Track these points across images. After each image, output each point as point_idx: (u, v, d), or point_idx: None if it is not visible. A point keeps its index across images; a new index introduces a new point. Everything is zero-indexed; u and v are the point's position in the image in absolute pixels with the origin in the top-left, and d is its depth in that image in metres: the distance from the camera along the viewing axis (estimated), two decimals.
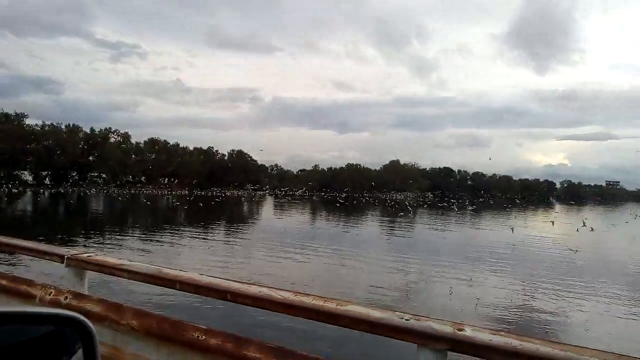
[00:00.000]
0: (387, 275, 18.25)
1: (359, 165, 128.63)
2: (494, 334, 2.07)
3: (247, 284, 2.81)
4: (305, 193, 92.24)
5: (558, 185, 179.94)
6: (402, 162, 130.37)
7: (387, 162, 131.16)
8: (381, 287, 15.96)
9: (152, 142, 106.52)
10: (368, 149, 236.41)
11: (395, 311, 2.35)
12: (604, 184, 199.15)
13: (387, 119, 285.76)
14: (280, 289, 2.67)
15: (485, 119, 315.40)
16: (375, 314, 2.32)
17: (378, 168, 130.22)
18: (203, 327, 2.79)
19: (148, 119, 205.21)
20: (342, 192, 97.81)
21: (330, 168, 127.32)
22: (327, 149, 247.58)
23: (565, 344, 2.03)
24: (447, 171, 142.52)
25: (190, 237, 26.50)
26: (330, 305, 2.43)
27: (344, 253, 22.76)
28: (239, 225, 36.55)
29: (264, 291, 2.67)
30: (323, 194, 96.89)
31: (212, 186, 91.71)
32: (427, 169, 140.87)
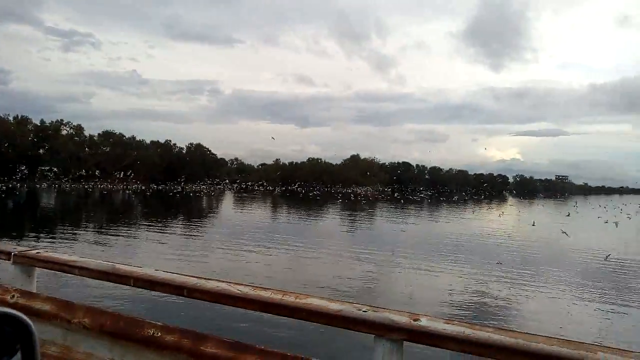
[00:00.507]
0: (348, 267, 18.44)
1: (320, 159, 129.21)
2: (448, 323, 2.12)
3: (205, 279, 2.76)
4: (266, 187, 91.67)
5: (511, 180, 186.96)
6: (362, 157, 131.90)
7: (348, 156, 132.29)
8: (343, 280, 16.13)
9: (107, 135, 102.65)
10: (329, 144, 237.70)
11: (354, 303, 2.37)
12: (554, 178, 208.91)
13: (348, 113, 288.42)
14: (239, 284, 2.65)
15: (443, 115, 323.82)
16: (334, 306, 2.34)
17: (339, 162, 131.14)
18: (159, 323, 2.73)
19: (103, 111, 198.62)
20: (306, 186, 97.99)
21: (292, 162, 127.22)
22: (289, 143, 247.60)
23: (516, 331, 2.11)
24: (406, 166, 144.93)
25: (148, 233, 25.86)
26: (289, 299, 2.43)
27: (306, 246, 22.82)
28: (198, 220, 35.94)
29: (222, 286, 2.63)
30: (284, 187, 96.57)
31: (170, 180, 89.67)
32: (387, 163, 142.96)
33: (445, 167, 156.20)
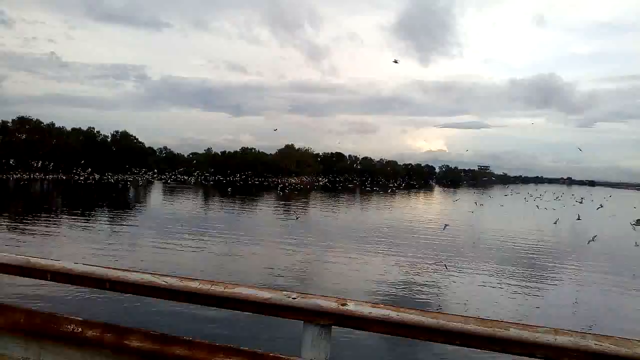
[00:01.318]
0: (283, 256, 18.49)
1: (254, 149, 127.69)
2: (374, 307, 2.19)
3: (128, 270, 2.64)
4: (197, 177, 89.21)
5: (437, 170, 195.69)
6: (296, 147, 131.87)
7: (282, 146, 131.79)
8: (277, 269, 16.16)
9: (22, 121, 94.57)
10: (263, 133, 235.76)
11: (283, 291, 2.38)
12: (476, 168, 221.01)
13: (282, 103, 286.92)
14: (165, 275, 2.56)
15: (374, 107, 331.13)
16: (263, 294, 2.33)
17: (273, 152, 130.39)
18: (79, 318, 2.61)
19: (17, 96, 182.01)
20: (237, 176, 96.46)
21: (224, 152, 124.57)
22: (221, 132, 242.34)
23: (437, 312, 2.22)
24: (339, 156, 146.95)
25: (69, 225, 24.33)
26: (217, 289, 2.39)
27: (239, 237, 22.58)
28: (125, 212, 34.33)
29: (147, 278, 2.54)
30: (216, 177, 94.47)
31: (94, 170, 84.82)
32: (321, 153, 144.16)
33: (377, 157, 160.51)
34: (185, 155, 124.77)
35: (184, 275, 2.61)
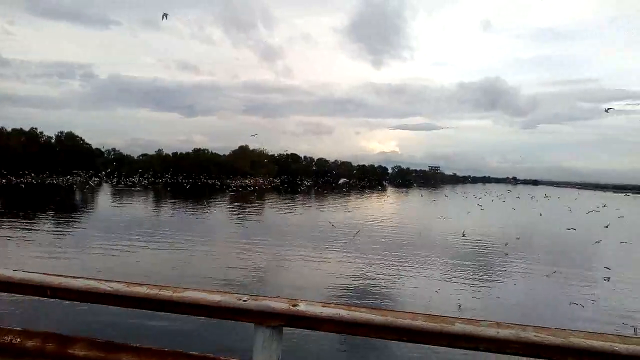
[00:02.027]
0: (238, 259, 18.27)
1: (207, 150, 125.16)
2: (325, 307, 2.21)
3: (71, 277, 2.54)
4: (148, 179, 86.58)
5: (390, 170, 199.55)
6: (251, 148, 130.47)
7: (236, 147, 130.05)
8: (232, 271, 15.97)
9: None
10: (216, 134, 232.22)
11: (234, 293, 2.36)
12: (427, 168, 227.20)
13: (236, 103, 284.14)
14: (110, 280, 2.48)
15: (328, 108, 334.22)
16: (213, 297, 2.30)
17: (227, 153, 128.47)
18: (17, 328, 2.50)
19: None
20: (190, 177, 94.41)
21: (176, 153, 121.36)
22: (173, 133, 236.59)
23: (387, 309, 2.27)
24: (294, 157, 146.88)
25: (9, 231, 22.99)
26: (166, 293, 2.34)
27: (193, 240, 22.10)
28: (71, 216, 32.78)
29: (91, 284, 2.44)
30: (168, 179, 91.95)
31: (37, 173, 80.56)
32: (276, 154, 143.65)
33: (331, 158, 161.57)
34: (135, 157, 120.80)
35: (132, 281, 2.53)
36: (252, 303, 2.26)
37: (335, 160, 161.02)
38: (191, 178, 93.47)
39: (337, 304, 2.27)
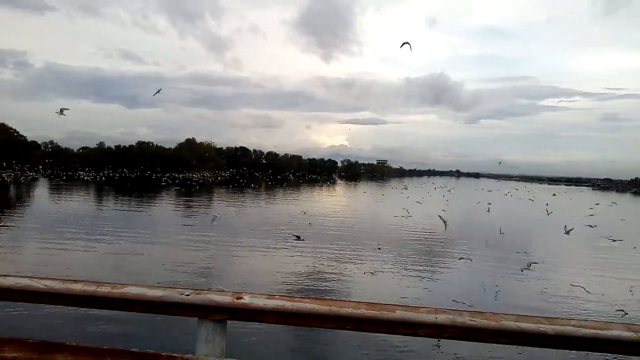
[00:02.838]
0: (185, 254, 17.89)
1: (152, 143, 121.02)
2: (269, 299, 2.22)
3: (1, 275, 2.39)
4: (89, 173, 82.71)
5: (339, 164, 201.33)
6: (198, 141, 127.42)
7: (182, 140, 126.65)
8: (179, 266, 15.62)
9: None
10: (162, 126, 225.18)
11: (176, 288, 2.31)
12: (375, 162, 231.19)
13: (182, 95, 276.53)
14: (45, 278, 2.36)
15: (278, 101, 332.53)
16: (154, 292, 2.25)
17: (173, 146, 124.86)
18: None
19: None
20: (134, 171, 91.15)
21: (119, 146, 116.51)
22: (115, 125, 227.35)
23: (330, 299, 2.30)
24: (243, 150, 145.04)
25: None
26: (104, 290, 2.25)
27: (137, 236, 21.39)
28: (4, 212, 30.82)
29: (23, 282, 2.32)
30: (110, 174, 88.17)
31: None
32: (224, 148, 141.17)
33: (282, 152, 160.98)
34: (75, 150, 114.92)
35: (67, 277, 2.42)
36: (195, 297, 2.23)
37: (286, 154, 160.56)
38: (135, 172, 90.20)
39: (281, 295, 2.28)
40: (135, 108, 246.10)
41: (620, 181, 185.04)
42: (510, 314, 2.17)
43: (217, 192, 60.90)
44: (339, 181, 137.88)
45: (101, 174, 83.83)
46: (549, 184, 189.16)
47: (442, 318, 2.12)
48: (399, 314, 2.14)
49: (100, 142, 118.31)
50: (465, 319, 2.12)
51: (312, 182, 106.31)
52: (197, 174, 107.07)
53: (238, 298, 2.22)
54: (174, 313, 2.26)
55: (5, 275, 2.40)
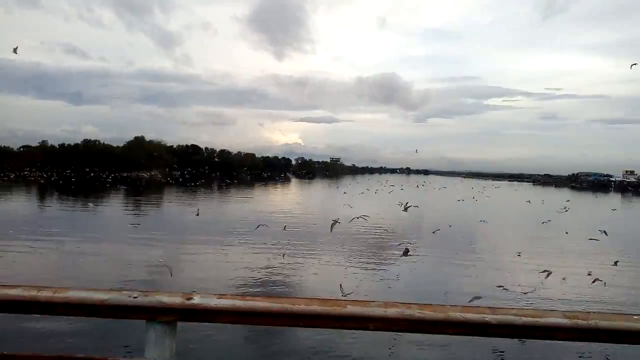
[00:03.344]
0: (135, 256, 17.33)
1: (98, 141, 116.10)
2: (220, 298, 2.19)
3: None
4: (30, 173, 78.46)
5: (293, 162, 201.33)
6: (147, 139, 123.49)
7: (131, 138, 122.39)
8: (129, 269, 15.18)
9: None
10: (109, 124, 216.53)
11: (123, 290, 2.25)
12: (328, 160, 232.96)
13: (131, 92, 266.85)
14: None
15: (230, 99, 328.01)
16: (99, 295, 2.17)
17: (121, 145, 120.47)
18: None
19: None
20: (79, 171, 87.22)
21: (63, 144, 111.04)
22: (58, 123, 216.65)
23: (282, 297, 2.31)
24: (195, 148, 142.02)
25: None
26: (45, 294, 2.15)
27: (84, 239, 20.52)
28: None
29: None
30: (54, 173, 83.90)
31: None
32: (175, 146, 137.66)
33: (234, 150, 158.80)
34: (15, 149, 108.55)
35: (4, 283, 2.29)
36: (142, 299, 2.17)
37: (239, 152, 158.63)
38: (81, 171, 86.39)
39: (233, 294, 2.27)
40: (80, 105, 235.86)
41: (559, 176, 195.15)
42: (456, 305, 2.26)
43: (168, 191, 59.37)
44: (293, 179, 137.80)
45: (44, 174, 79.63)
46: (493, 179, 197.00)
47: (391, 311, 2.17)
48: (350, 308, 2.17)
49: (43, 140, 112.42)
50: (414, 312, 2.18)
51: (266, 181, 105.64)
52: (147, 173, 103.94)
53: (188, 299, 2.18)
54: (121, 316, 2.19)
55: None
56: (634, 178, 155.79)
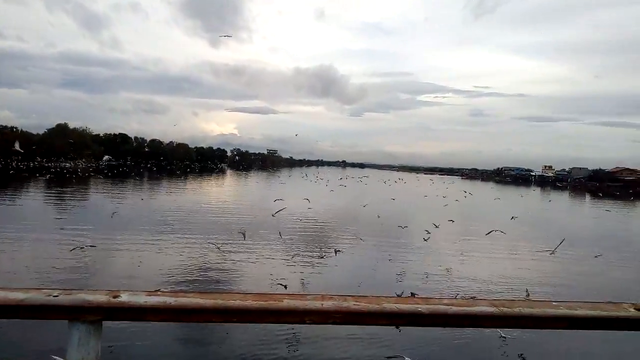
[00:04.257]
0: (56, 252, 16.29)
1: (15, 128, 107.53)
2: (150, 295, 2.09)
3: None
4: None
5: (229, 153, 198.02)
6: (71, 127, 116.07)
7: (53, 125, 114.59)
8: (51, 266, 14.28)
9: None
10: (28, 110, 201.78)
11: (43, 289, 2.07)
12: (265, 152, 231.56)
13: (52, 76, 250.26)
14: None
15: (163, 86, 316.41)
16: (15, 295, 1.99)
17: (42, 132, 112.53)
18: None
19: None
20: None
21: None
22: None
23: (216, 292, 2.23)
24: (123, 137, 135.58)
25: None
26: None
27: None
28: None
29: None
30: None
31: None
32: (102, 134, 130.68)
33: (166, 139, 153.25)
34: None
35: None
36: (64, 298, 2.02)
37: (171, 142, 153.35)
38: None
39: (163, 291, 2.16)
40: None
41: (486, 170, 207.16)
42: (391, 296, 2.30)
43: (93, 183, 56.21)
44: (228, 171, 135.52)
45: None
46: (425, 173, 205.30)
47: (328, 304, 2.17)
48: (286, 302, 2.15)
49: None
50: (350, 304, 2.19)
51: (200, 172, 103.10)
52: (70, 163, 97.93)
53: (115, 296, 2.05)
54: (40, 317, 2.02)
55: None
56: (552, 173, 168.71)
